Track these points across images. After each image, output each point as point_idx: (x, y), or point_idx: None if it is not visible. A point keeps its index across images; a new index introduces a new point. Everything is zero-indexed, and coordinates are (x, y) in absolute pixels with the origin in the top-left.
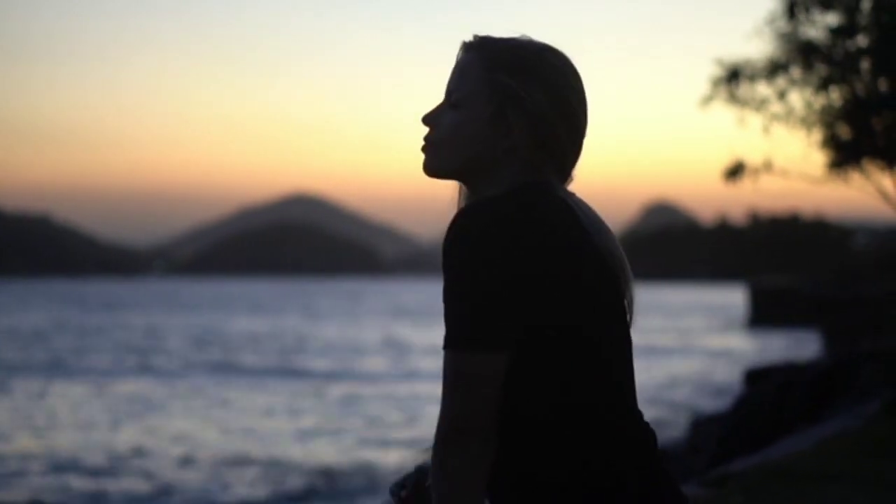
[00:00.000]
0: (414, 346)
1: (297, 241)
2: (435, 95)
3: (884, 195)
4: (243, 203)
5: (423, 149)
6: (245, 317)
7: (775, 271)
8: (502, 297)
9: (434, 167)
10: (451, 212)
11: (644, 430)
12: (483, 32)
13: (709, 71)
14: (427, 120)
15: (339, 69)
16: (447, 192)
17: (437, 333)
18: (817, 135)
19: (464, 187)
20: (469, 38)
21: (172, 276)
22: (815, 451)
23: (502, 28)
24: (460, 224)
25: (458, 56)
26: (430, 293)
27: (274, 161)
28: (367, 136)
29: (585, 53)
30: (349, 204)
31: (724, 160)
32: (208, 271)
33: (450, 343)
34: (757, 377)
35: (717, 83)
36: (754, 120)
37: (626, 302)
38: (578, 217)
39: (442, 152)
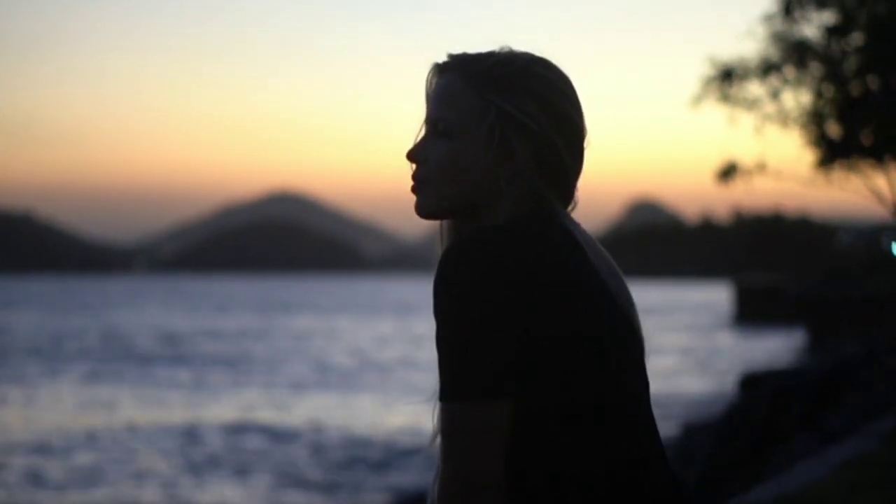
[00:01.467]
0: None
1: (279, 238)
2: (420, 93)
3: (876, 194)
4: (226, 201)
5: (414, 189)
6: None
7: (759, 270)
8: (503, 341)
9: (430, 207)
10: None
11: (669, 476)
12: (456, 50)
13: (697, 70)
14: (413, 155)
15: (323, 67)
16: None
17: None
18: (808, 134)
19: (448, 222)
20: (442, 58)
21: (155, 274)
22: (836, 480)
23: (488, 27)
24: (452, 261)
25: (429, 80)
26: (414, 290)
27: (257, 159)
28: (350, 134)
29: (571, 51)
30: (332, 202)
31: (710, 159)
32: (191, 269)
33: (448, 395)
34: (752, 383)
35: (708, 82)
36: (744, 119)
37: (639, 341)
38: (584, 251)
39: (437, 189)
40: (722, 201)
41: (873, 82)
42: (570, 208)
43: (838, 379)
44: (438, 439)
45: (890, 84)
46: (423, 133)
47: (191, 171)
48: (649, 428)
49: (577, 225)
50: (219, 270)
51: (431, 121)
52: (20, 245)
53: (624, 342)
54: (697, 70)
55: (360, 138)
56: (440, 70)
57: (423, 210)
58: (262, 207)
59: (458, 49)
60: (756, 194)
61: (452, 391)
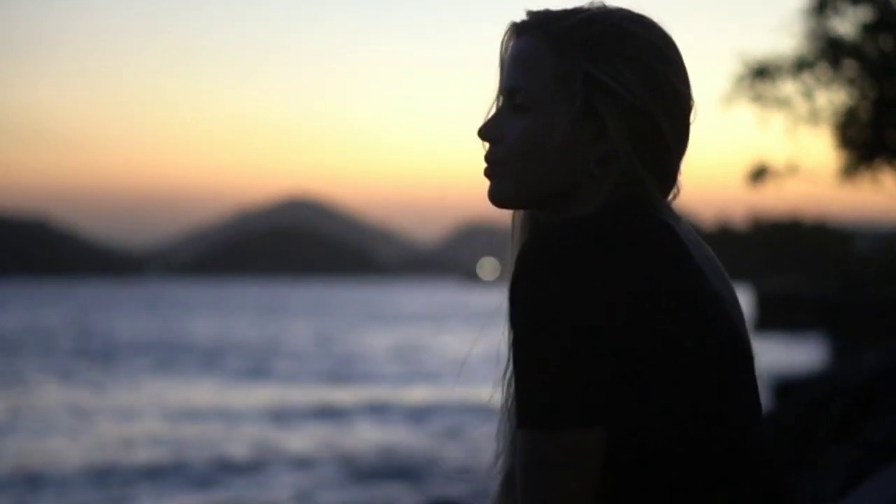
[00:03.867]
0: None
1: (294, 243)
2: (433, 97)
3: None
4: (241, 206)
5: (488, 172)
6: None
7: (776, 275)
8: (595, 358)
9: (507, 194)
10: (504, 243)
11: None
12: (536, 6)
13: (717, 68)
14: (486, 133)
15: (338, 71)
16: (443, 193)
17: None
18: (840, 135)
19: (524, 213)
20: (520, 17)
21: (169, 279)
22: None
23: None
24: (534, 261)
25: (505, 42)
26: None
27: (271, 164)
28: (364, 138)
29: None
30: (346, 206)
31: (727, 162)
32: (206, 274)
33: (530, 421)
34: (787, 391)
35: (740, 81)
36: (773, 120)
37: (750, 359)
38: (689, 250)
39: (516, 173)
40: (738, 205)
41: None
42: (671, 196)
43: (875, 388)
44: (500, 462)
45: None
46: (496, 107)
47: (205, 177)
48: (760, 463)
49: (678, 219)
50: (233, 275)
51: (507, 92)
52: (35, 250)
53: (735, 361)
54: (717, 68)
55: (374, 143)
56: (517, 31)
57: (498, 196)
58: (277, 213)
59: (536, 6)
60: (773, 198)
61: (535, 416)
